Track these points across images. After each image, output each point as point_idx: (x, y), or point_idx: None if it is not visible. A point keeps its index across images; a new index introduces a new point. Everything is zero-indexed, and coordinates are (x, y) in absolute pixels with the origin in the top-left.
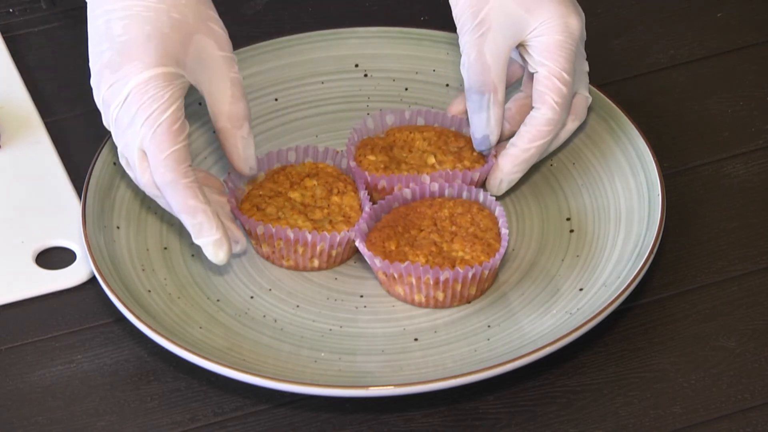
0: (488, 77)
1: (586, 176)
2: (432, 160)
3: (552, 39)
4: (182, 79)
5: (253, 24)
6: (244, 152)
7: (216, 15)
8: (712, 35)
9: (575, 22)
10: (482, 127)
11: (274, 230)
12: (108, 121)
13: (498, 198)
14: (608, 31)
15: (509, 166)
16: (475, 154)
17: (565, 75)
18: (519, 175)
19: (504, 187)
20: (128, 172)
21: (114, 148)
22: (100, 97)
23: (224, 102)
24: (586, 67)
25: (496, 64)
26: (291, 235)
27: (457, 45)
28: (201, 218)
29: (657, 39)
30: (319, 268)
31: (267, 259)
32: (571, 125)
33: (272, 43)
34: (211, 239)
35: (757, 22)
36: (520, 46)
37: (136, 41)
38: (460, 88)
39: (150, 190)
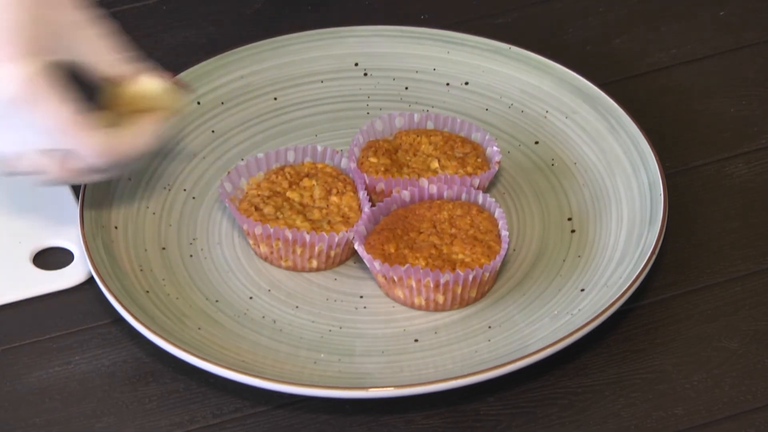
0: None
1: (588, 176)
2: (435, 164)
3: None
4: (56, 59)
5: (252, 23)
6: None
7: None
8: (715, 34)
9: None
10: None
11: (272, 231)
12: None
13: (498, 198)
14: (610, 29)
15: None
16: (479, 160)
17: None
18: None
19: None
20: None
21: None
22: None
23: (98, 54)
24: None
25: None
26: (289, 235)
27: (458, 44)
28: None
29: (659, 38)
30: (318, 269)
31: (265, 259)
32: None
33: (271, 42)
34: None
35: (759, 20)
36: None
37: (8, 28)
38: (461, 87)
39: (67, 181)
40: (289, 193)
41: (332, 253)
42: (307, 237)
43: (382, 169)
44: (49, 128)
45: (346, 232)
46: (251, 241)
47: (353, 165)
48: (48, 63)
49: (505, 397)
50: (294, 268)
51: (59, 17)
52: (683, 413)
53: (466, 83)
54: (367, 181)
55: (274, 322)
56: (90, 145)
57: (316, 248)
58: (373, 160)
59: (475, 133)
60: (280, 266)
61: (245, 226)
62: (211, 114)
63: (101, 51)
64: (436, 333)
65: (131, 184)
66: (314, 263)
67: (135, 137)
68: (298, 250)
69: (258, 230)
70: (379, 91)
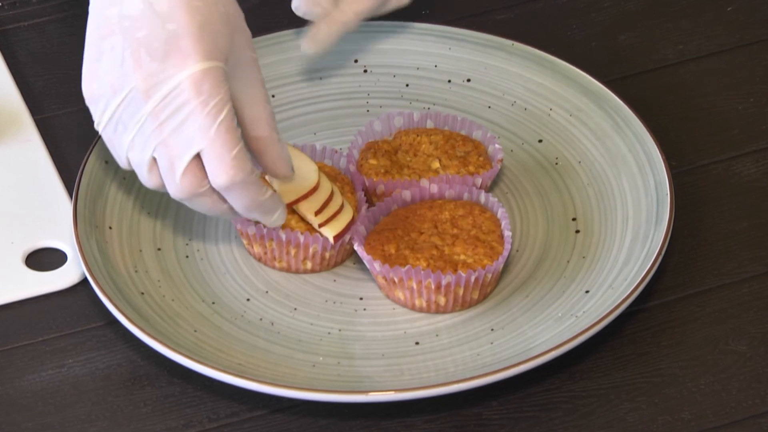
0: None
1: (593, 175)
2: (436, 164)
3: None
4: (227, 77)
5: (249, 18)
6: (285, 153)
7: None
8: (722, 30)
9: None
10: None
11: (265, 231)
12: (131, 111)
13: (501, 198)
14: (615, 25)
15: (326, 28)
16: (480, 159)
17: None
18: (335, 39)
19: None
20: (145, 174)
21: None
22: (125, 82)
23: (258, 106)
24: None
25: None
26: (283, 236)
27: (460, 41)
28: (277, 212)
29: (665, 34)
30: (312, 271)
31: (259, 260)
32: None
33: (269, 38)
34: (282, 216)
35: (767, 17)
36: None
37: (188, 30)
38: (463, 84)
39: (189, 195)
40: None
41: (327, 255)
42: (301, 238)
43: (382, 170)
44: (200, 124)
45: None
46: (245, 241)
47: (352, 168)
48: (223, 68)
49: (508, 401)
50: (288, 269)
51: (239, 51)
52: (690, 417)
53: (468, 80)
54: (367, 184)
55: (272, 324)
56: (230, 155)
57: (311, 249)
58: (372, 161)
59: (476, 131)
60: (274, 267)
61: (239, 226)
62: None
63: (259, 99)
64: (437, 335)
65: (126, 184)
66: (308, 264)
67: (261, 186)
68: (292, 251)
69: (251, 230)
70: (379, 89)
